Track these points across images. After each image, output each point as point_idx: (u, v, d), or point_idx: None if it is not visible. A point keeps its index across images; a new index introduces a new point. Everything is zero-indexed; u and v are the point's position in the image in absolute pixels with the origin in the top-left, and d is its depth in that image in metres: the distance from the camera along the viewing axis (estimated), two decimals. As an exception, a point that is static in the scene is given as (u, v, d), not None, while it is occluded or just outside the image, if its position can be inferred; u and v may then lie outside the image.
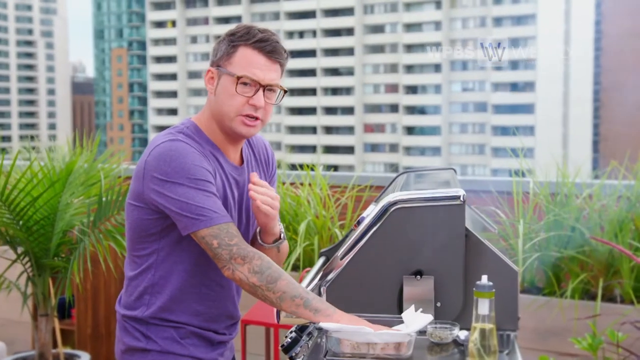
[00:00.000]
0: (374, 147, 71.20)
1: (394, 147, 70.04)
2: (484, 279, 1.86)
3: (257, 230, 2.22)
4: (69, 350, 4.49)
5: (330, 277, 2.18)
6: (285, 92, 2.15)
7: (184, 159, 2.00)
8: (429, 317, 2.01)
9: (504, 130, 63.44)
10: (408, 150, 69.04)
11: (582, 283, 4.02)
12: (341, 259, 2.19)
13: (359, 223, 2.36)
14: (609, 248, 3.89)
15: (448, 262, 2.13)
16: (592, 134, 65.54)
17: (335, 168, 5.07)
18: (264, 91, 2.08)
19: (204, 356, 2.15)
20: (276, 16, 75.60)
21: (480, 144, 66.78)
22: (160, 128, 79.89)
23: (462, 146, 68.01)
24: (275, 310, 2.09)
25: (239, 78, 2.06)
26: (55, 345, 4.55)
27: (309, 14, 74.06)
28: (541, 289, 4.15)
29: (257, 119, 2.10)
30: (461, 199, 2.12)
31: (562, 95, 64.64)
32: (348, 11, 72.17)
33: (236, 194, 2.15)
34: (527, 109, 64.81)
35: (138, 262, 2.13)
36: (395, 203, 2.15)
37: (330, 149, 70.94)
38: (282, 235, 2.22)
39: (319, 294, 2.14)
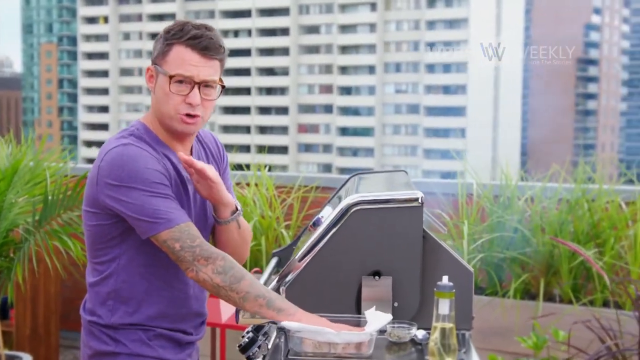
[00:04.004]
0: (307, 148, 71.27)
1: (327, 148, 70.24)
2: (445, 280, 1.90)
3: (212, 211, 2.19)
4: (9, 352, 4.40)
5: (289, 278, 2.20)
6: (223, 87, 2.13)
7: (136, 163, 2.00)
8: (389, 317, 2.05)
9: (436, 132, 64.27)
10: (341, 150, 69.34)
11: (524, 283, 4.13)
12: (300, 260, 2.21)
13: (314, 224, 2.39)
14: (550, 249, 4.02)
15: (406, 262, 2.17)
16: (521, 137, 66.88)
17: (269, 168, 5.08)
18: (199, 88, 2.06)
19: (172, 357, 2.15)
20: (211, 14, 75.00)
21: (412, 145, 67.50)
22: (91, 125, 78.53)
23: (395, 147, 68.59)
24: (235, 309, 2.10)
25: (171, 77, 2.04)
26: (-6, 347, 4.46)
27: (244, 13, 73.71)
28: (484, 289, 4.24)
29: (196, 116, 2.07)
30: (419, 201, 2.17)
31: (493, 98, 65.81)
32: (283, 11, 72.06)
33: (190, 191, 2.14)
34: (459, 111, 65.79)
35: (99, 269, 2.11)
36: (355, 204, 2.18)
37: (263, 149, 70.69)
38: (237, 207, 2.18)
39: (278, 295, 2.16)
